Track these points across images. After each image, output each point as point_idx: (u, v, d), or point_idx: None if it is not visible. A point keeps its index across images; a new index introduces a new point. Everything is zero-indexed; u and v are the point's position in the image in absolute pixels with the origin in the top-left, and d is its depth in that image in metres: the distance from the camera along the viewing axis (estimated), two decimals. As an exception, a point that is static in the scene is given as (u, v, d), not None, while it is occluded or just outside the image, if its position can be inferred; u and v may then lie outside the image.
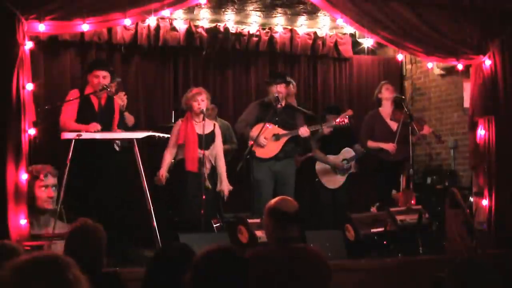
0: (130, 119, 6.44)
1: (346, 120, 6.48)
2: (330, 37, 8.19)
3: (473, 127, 6.21)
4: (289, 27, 7.95)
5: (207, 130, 5.89)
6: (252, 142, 6.14)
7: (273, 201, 3.38)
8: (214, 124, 6.11)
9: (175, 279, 2.46)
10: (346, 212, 5.86)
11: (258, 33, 7.82)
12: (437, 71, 8.01)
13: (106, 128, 5.53)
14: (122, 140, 5.82)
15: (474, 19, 6.05)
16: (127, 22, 5.31)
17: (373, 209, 6.27)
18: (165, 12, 5.55)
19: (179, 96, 6.90)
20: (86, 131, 5.32)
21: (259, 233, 5.04)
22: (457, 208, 5.71)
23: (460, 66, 6.26)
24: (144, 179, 5.43)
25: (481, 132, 6.10)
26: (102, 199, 5.44)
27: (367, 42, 7.43)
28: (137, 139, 5.48)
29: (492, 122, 6.02)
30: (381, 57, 8.70)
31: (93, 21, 5.08)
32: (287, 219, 3.26)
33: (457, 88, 7.82)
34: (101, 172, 5.52)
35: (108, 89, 5.64)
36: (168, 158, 5.94)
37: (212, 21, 7.62)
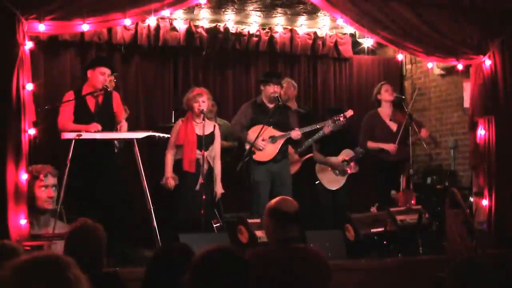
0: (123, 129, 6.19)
1: (342, 119, 6.42)
2: (330, 37, 8.18)
3: (473, 127, 6.21)
4: (289, 27, 7.94)
5: (207, 131, 5.88)
6: (249, 145, 6.13)
7: (273, 201, 3.38)
8: (214, 126, 6.10)
9: (175, 279, 2.45)
10: (346, 212, 5.86)
11: (258, 33, 7.82)
12: (437, 71, 8.01)
13: (106, 125, 5.50)
14: (120, 140, 5.80)
15: (474, 19, 6.05)
16: (127, 22, 5.31)
17: (373, 209, 6.27)
18: (165, 12, 5.55)
19: (179, 96, 6.90)
20: (86, 131, 5.31)
21: (259, 233, 5.04)
22: (457, 208, 5.71)
23: (460, 66, 6.26)
24: (144, 179, 5.42)
25: (481, 132, 6.10)
26: (102, 199, 5.43)
27: (367, 42, 7.44)
28: (137, 139, 5.48)
29: (492, 122, 6.02)
30: (381, 57, 8.70)
31: (93, 21, 5.08)
32: (287, 219, 3.25)
33: (457, 88, 7.82)
34: (101, 172, 5.51)
35: (108, 89, 5.64)
36: (170, 159, 5.94)
37: (212, 21, 7.62)
